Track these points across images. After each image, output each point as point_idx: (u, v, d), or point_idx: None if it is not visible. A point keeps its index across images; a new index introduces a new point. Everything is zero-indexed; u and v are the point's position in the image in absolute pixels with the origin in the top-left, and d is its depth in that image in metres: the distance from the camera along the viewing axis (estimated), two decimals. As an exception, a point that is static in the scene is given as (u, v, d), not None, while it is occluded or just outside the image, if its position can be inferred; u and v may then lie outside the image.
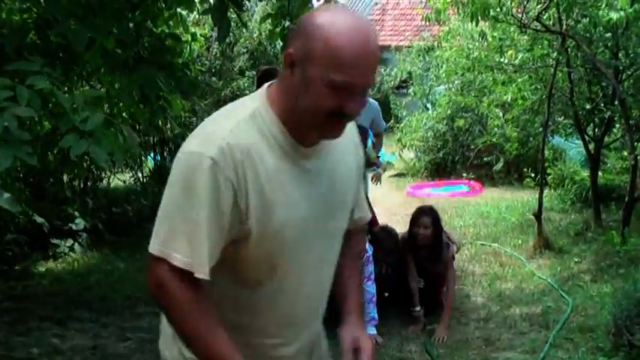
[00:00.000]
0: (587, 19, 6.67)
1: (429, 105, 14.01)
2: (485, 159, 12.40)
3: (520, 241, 7.74)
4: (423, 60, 14.11)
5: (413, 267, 5.54)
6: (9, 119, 3.30)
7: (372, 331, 5.14)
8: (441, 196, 10.97)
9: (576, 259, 6.88)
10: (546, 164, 10.46)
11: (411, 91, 14.65)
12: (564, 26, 6.85)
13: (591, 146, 8.03)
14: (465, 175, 12.40)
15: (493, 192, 11.30)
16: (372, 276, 5.26)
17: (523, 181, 11.71)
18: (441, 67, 12.83)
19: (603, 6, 6.52)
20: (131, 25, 4.77)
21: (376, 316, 5.21)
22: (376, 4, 21.42)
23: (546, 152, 11.54)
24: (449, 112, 12.43)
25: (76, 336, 5.38)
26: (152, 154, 9.93)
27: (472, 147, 12.43)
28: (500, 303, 5.88)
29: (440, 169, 12.84)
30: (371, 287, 5.21)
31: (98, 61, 4.63)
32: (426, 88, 13.86)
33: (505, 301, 5.91)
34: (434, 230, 5.45)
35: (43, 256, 7.48)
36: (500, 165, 12.06)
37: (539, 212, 7.38)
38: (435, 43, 12.79)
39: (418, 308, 5.43)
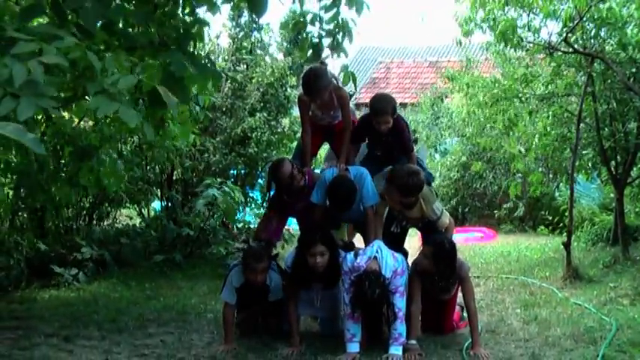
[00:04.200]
0: (616, 39, 6.53)
1: (437, 155, 13.85)
2: (497, 206, 12.19)
3: (547, 274, 7.40)
4: (431, 110, 14.05)
5: (419, 293, 5.03)
6: (34, 66, 3.05)
7: (397, 351, 4.70)
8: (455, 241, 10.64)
9: (612, 285, 6.54)
10: (563, 207, 10.26)
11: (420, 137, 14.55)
12: (592, 48, 6.73)
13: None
14: (477, 222, 12.17)
15: (507, 238, 11.02)
16: (402, 289, 4.82)
17: (537, 229, 11.48)
18: (452, 115, 12.78)
19: (632, 26, 6.42)
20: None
21: (404, 333, 4.76)
22: (380, 62, 21.58)
23: (559, 199, 11.42)
24: (463, 159, 12.29)
25: (85, 351, 4.96)
26: (159, 193, 9.56)
27: (485, 193, 12.26)
28: (538, 325, 5.50)
29: (452, 217, 12.59)
30: (399, 301, 4.78)
31: (113, 43, 4.39)
32: (437, 136, 13.74)
33: (543, 324, 5.53)
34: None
35: (45, 284, 7.08)
36: (521, 210, 11.81)
37: (569, 241, 7.07)
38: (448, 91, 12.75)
39: (414, 342, 4.86)
